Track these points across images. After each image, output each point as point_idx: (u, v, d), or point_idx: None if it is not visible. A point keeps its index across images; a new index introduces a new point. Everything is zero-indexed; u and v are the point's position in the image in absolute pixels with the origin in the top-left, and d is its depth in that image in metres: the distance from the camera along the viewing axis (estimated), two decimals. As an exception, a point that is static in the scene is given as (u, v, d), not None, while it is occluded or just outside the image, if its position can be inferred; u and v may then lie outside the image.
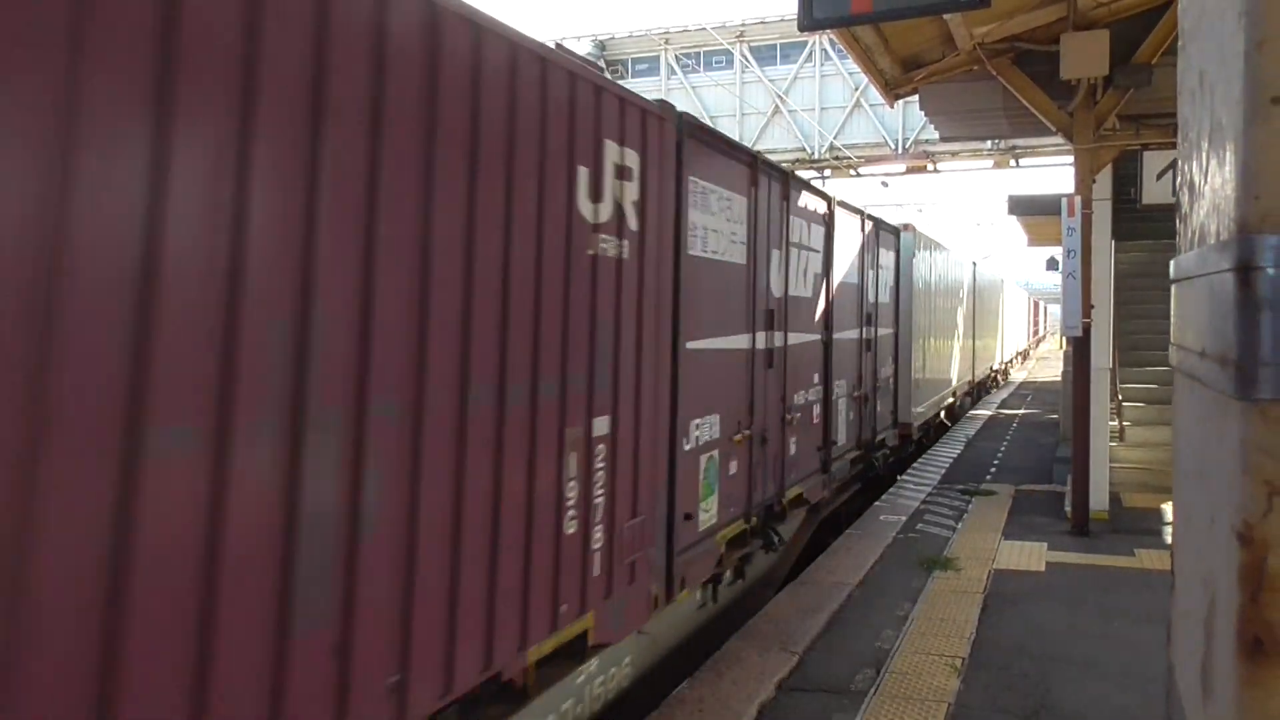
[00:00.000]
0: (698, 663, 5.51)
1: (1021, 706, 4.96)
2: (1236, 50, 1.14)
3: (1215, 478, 1.23)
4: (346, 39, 2.68)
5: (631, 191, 4.40)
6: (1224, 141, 1.22)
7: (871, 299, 9.86)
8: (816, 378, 7.77)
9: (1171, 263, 1.73)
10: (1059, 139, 9.90)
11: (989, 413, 20.21)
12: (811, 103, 27.64)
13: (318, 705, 2.59)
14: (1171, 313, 1.75)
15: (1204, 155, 1.38)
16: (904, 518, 9.39)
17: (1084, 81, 8.81)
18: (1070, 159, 9.40)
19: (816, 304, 7.79)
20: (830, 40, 24.95)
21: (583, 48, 28.18)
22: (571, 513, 3.87)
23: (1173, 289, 1.72)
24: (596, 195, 4.09)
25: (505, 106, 3.42)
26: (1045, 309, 64.86)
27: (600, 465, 4.11)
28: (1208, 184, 1.33)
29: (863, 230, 9.48)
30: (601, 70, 4.93)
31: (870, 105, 26.51)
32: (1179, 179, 1.72)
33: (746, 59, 28.35)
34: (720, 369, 5.64)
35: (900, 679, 5.28)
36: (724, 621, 6.29)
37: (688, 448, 5.10)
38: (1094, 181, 9.16)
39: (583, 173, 3.96)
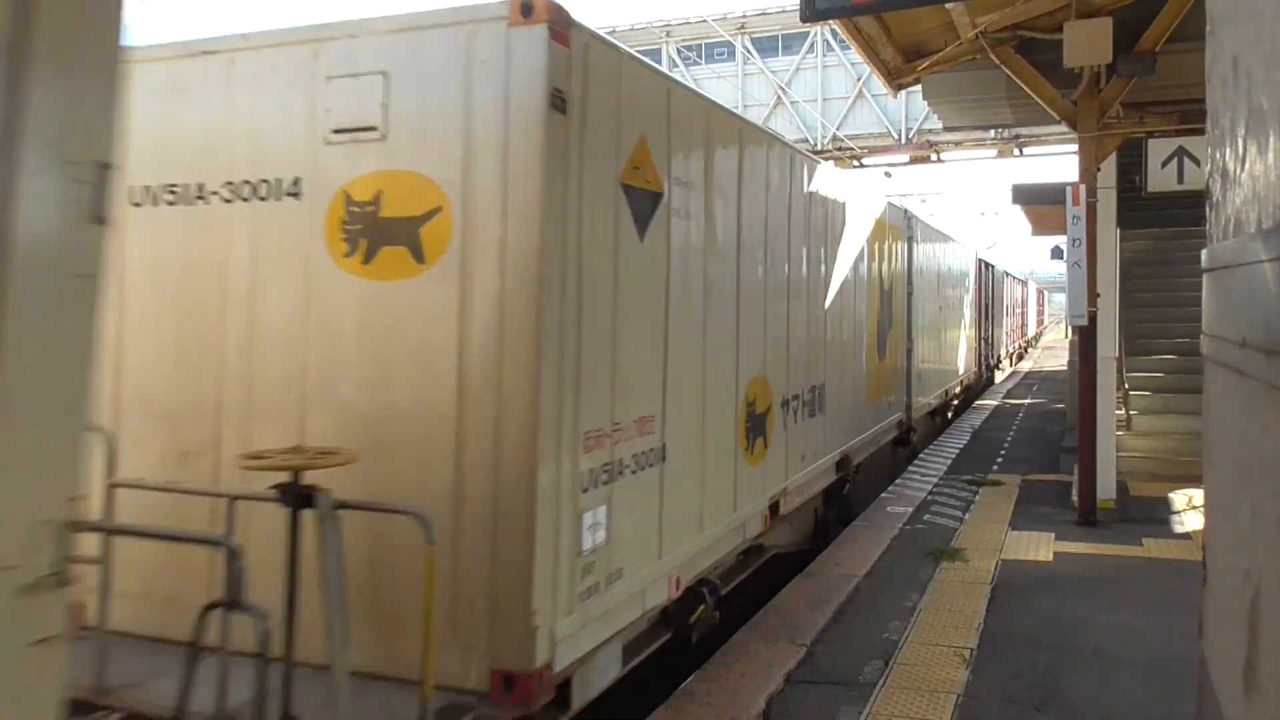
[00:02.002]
0: None
1: (1031, 697, 4.95)
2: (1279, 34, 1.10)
3: (1260, 469, 1.20)
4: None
5: None
6: (1265, 128, 1.19)
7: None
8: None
9: (1203, 252, 1.69)
10: (1063, 127, 9.86)
11: (995, 402, 20.19)
12: (814, 93, 27.55)
13: None
14: (1204, 301, 1.71)
15: (1240, 142, 1.35)
16: (911, 509, 9.37)
17: (1087, 69, 8.76)
18: (1074, 147, 9.35)
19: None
20: (832, 31, 24.85)
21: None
22: None
23: (1205, 278, 1.69)
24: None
25: None
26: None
27: None
28: (1245, 171, 1.30)
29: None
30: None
31: (873, 95, 26.43)
32: (1209, 166, 1.69)
33: (748, 50, 28.25)
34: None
35: (909, 670, 5.27)
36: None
37: None
38: (1098, 170, 9.12)
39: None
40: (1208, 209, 1.72)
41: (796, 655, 5.44)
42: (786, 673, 5.20)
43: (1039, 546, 8.00)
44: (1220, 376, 1.53)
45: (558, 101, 3.78)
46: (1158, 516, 9.08)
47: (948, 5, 8.22)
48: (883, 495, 10.07)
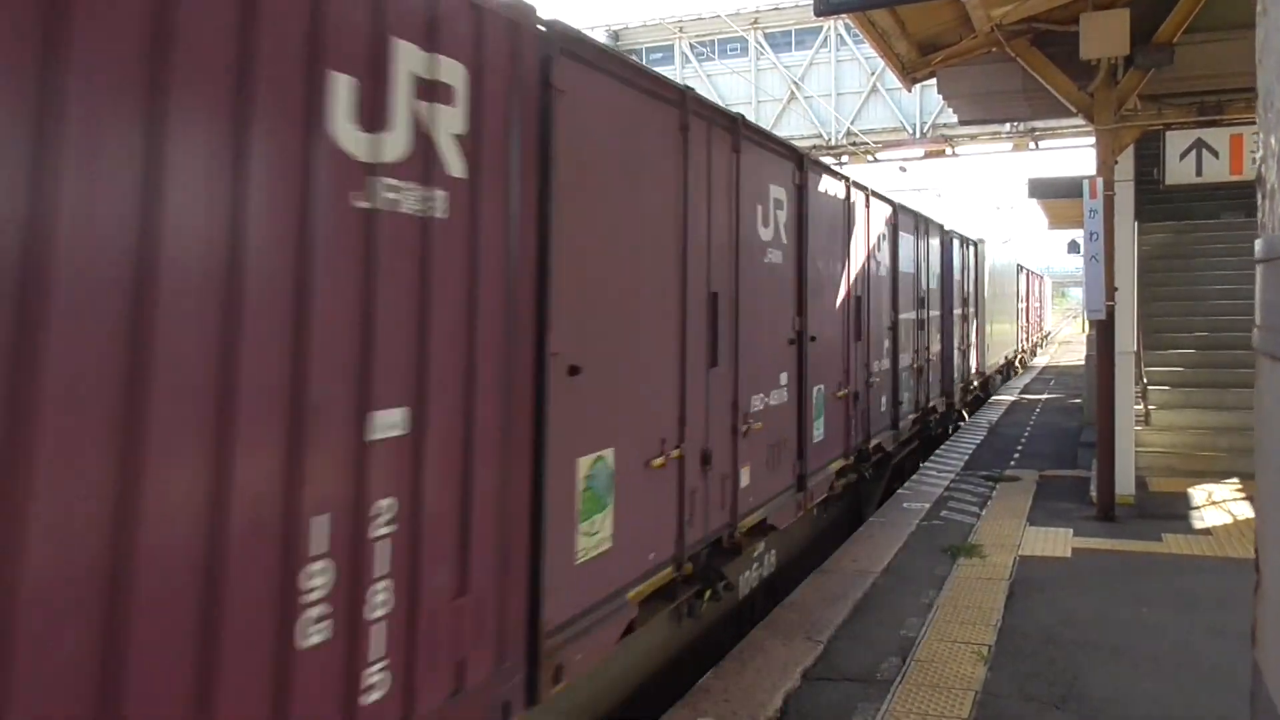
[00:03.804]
0: None
1: (1050, 694, 4.92)
2: None
3: None
4: None
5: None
6: None
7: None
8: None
9: (1257, 242, 1.65)
10: (1079, 120, 9.78)
11: (1012, 398, 20.07)
12: (828, 88, 27.45)
13: None
14: (1258, 294, 1.67)
15: None
16: (927, 504, 9.33)
17: (1104, 62, 8.69)
18: (1091, 140, 9.28)
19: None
20: (846, 25, 24.75)
21: (597, 37, 28.09)
22: None
23: (1259, 269, 1.64)
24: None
25: None
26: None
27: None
28: None
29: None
30: None
31: (887, 90, 26.30)
32: (1261, 153, 1.65)
33: (761, 46, 28.17)
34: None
35: (926, 667, 5.25)
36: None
37: None
38: (1116, 163, 9.04)
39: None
40: (1260, 197, 1.67)
41: (813, 652, 5.43)
42: (803, 670, 5.20)
43: (1057, 542, 7.96)
44: (1278, 372, 1.49)
45: None
46: (1177, 512, 9.01)
47: (962, -2, 8.17)
48: (899, 491, 10.03)
